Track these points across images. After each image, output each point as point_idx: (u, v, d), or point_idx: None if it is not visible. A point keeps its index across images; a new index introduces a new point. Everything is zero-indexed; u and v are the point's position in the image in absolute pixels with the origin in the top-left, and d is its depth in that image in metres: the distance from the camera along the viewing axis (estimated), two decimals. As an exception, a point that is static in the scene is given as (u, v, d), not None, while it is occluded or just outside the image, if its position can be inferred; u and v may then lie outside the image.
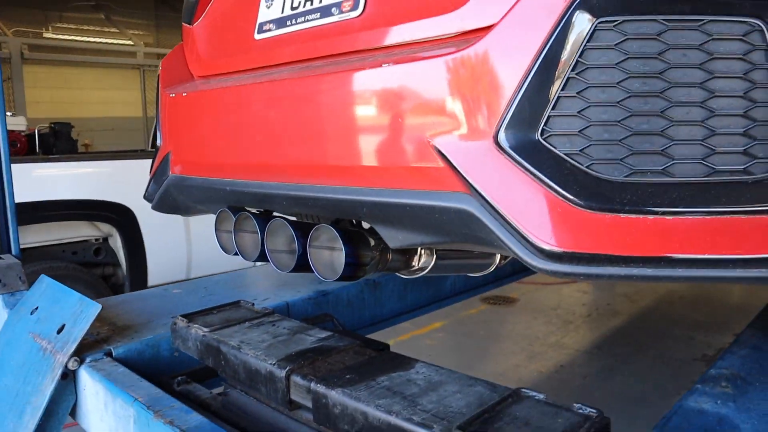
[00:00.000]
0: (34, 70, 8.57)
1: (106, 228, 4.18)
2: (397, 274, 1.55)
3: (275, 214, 1.30)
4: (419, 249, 1.35)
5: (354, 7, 1.13)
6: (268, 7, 1.34)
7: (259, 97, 1.25)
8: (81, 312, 1.75)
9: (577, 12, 0.80)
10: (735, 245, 0.75)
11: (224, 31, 1.49)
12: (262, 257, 1.26)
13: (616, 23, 0.79)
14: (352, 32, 1.12)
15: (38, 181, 3.86)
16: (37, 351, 1.78)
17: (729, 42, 0.76)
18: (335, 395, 1.22)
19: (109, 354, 1.72)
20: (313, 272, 1.17)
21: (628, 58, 0.79)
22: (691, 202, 0.76)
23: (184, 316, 1.74)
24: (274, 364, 1.39)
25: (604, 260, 0.80)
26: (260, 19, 1.36)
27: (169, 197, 1.62)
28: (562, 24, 0.80)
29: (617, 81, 0.79)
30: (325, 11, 1.20)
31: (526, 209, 0.83)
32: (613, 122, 0.80)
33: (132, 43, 8.90)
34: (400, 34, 1.03)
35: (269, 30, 1.33)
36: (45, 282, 2.09)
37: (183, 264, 4.30)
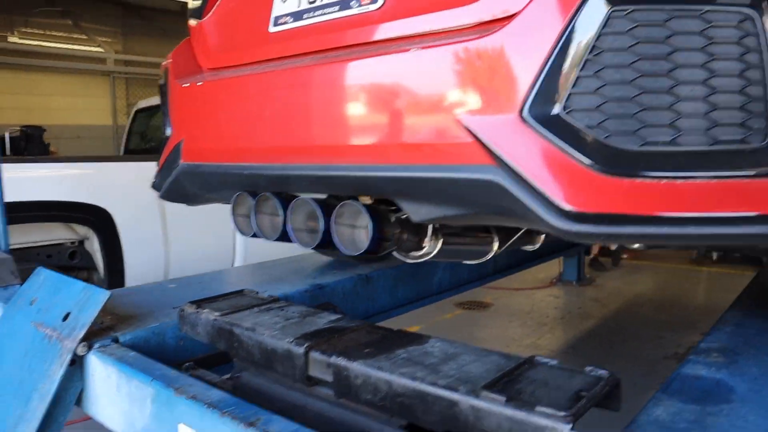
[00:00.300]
0: (-1, 75, 8.40)
1: (82, 230, 4.14)
2: (405, 257, 1.64)
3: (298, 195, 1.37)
4: (429, 231, 1.44)
5: (373, 0, 1.23)
6: (284, 1, 1.43)
7: (281, 85, 1.33)
8: (87, 299, 1.78)
9: (593, 1, 0.91)
10: (737, 204, 0.86)
11: (236, 24, 1.57)
12: (283, 237, 1.33)
13: (627, 12, 0.90)
14: (371, 23, 1.22)
15: (11, 182, 3.82)
16: (41, 339, 1.80)
17: (726, 29, 0.88)
18: (357, 367, 1.29)
19: (116, 340, 1.75)
20: (335, 248, 1.25)
21: (638, 43, 0.90)
22: (697, 168, 0.88)
23: (192, 302, 1.79)
24: (291, 342, 1.45)
25: (623, 220, 0.91)
26: (275, 12, 1.44)
27: (179, 186, 1.67)
28: (579, 12, 0.91)
29: (629, 63, 0.90)
30: (344, 4, 1.29)
31: (551, 176, 0.93)
32: (626, 99, 0.91)
33: (102, 49, 8.81)
34: (420, 24, 1.12)
35: (285, 23, 1.41)
36: (43, 274, 2.11)
37: (161, 267, 4.29)
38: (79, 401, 1.76)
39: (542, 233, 1.93)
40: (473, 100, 1.01)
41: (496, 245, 1.85)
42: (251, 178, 1.39)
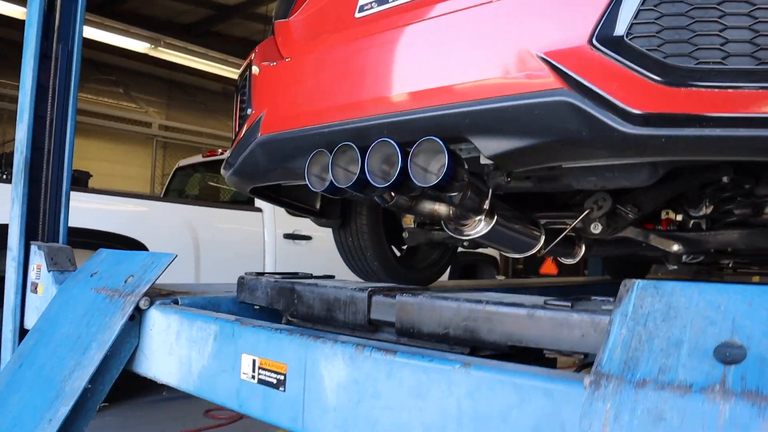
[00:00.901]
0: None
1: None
2: (457, 234, 1.75)
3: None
4: (489, 195, 1.57)
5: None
6: (369, -8, 1.67)
7: (366, 53, 1.53)
8: (152, 262, 1.90)
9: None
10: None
11: (323, 17, 1.81)
12: (357, 184, 1.46)
13: None
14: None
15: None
16: (102, 299, 1.91)
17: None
18: (422, 299, 1.38)
19: (176, 302, 1.85)
20: (408, 186, 1.38)
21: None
22: (742, 80, 1.03)
23: (251, 272, 1.91)
24: (354, 289, 1.56)
25: (680, 121, 1.05)
26: (361, 1, 1.68)
27: (253, 159, 1.84)
28: None
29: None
30: (426, -15, 1.52)
31: (620, 88, 1.09)
32: (681, 27, 1.08)
33: (148, 115, 9.42)
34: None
35: (370, 8, 1.64)
36: (104, 253, 2.24)
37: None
38: (130, 363, 1.84)
39: (587, 235, 2.05)
40: (548, 34, 1.19)
41: (543, 239, 1.97)
42: (331, 135, 1.55)
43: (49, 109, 2.54)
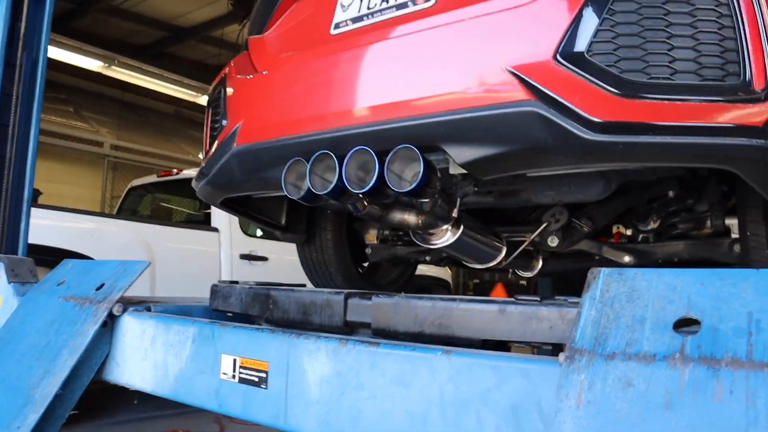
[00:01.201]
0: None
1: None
2: (423, 242, 1.84)
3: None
4: (457, 204, 1.67)
5: (427, 0, 1.56)
6: (344, 10, 1.76)
7: (342, 66, 1.62)
8: (125, 270, 1.91)
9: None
10: (720, 119, 1.15)
11: (298, 33, 1.89)
12: (334, 191, 1.53)
13: None
14: (425, 17, 1.54)
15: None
16: (72, 307, 1.90)
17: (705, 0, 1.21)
18: (398, 300, 1.46)
19: (148, 309, 1.86)
20: (384, 190, 1.46)
21: (642, 7, 1.22)
22: (688, 94, 1.17)
23: (223, 281, 1.94)
24: (330, 293, 1.61)
25: (635, 129, 1.17)
26: (336, 19, 1.77)
27: (228, 169, 1.88)
28: None
29: (636, 21, 1.22)
30: (400, 6, 1.62)
31: (582, 98, 1.20)
32: (634, 46, 1.21)
33: (98, 133, 9.25)
34: (468, 12, 1.44)
35: (345, 26, 1.73)
36: (71, 263, 2.22)
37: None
38: (100, 371, 1.83)
39: (544, 248, 2.17)
40: (516, 49, 1.31)
41: (504, 251, 2.07)
42: (309, 144, 1.62)
43: (12, 117, 2.52)
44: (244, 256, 5.02)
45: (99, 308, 1.79)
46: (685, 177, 1.95)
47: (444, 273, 7.08)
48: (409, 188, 1.42)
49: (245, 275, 4.94)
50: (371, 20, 1.69)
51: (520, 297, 1.28)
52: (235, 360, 1.44)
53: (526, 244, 2.11)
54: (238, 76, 1.94)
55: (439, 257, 2.61)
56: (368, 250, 2.81)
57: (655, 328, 0.90)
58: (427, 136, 1.44)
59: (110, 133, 9.64)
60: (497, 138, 1.35)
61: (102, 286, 1.90)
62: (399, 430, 1.12)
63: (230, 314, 1.93)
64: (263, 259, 5.15)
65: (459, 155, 1.42)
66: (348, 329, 1.57)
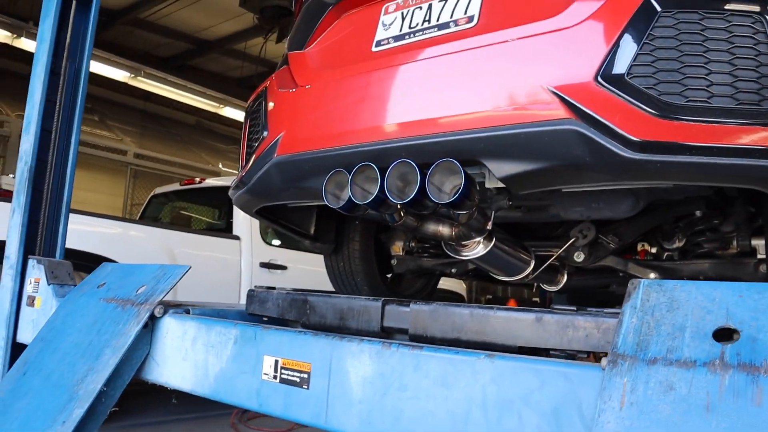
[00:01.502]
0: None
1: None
2: (455, 253, 1.89)
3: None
4: (491, 218, 1.73)
5: (469, 21, 1.63)
6: (386, 29, 1.84)
7: (386, 82, 1.70)
8: (164, 273, 1.98)
9: (647, 5, 1.31)
10: (752, 142, 1.21)
11: (339, 49, 1.97)
12: (375, 201, 1.59)
13: (672, 13, 1.29)
14: (467, 37, 1.61)
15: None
16: (113, 309, 1.97)
17: (743, 27, 1.26)
18: (437, 307, 1.52)
19: (187, 311, 1.93)
20: (425, 201, 1.52)
21: (680, 33, 1.28)
22: (724, 117, 1.23)
23: (260, 286, 2.01)
24: (368, 299, 1.68)
25: (673, 148, 1.23)
26: (378, 37, 1.85)
27: (267, 179, 1.96)
28: (639, 11, 1.31)
29: (675, 46, 1.28)
30: (442, 26, 1.70)
31: (621, 118, 1.27)
32: (673, 70, 1.27)
33: (122, 141, 9.44)
34: (511, 34, 1.51)
35: (387, 44, 1.81)
36: (109, 266, 2.30)
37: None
38: (140, 371, 1.89)
39: (570, 263, 2.22)
40: (558, 71, 1.37)
41: (533, 264, 2.13)
42: (350, 156, 1.69)
43: (54, 124, 2.62)
44: (264, 265, 5.10)
45: (141, 309, 1.86)
46: (712, 197, 1.99)
47: (458, 286, 7.11)
48: (449, 200, 1.48)
49: (264, 283, 5.02)
50: (413, 39, 1.76)
51: (556, 306, 1.34)
52: (276, 361, 1.50)
53: (554, 258, 2.16)
54: (280, 90, 2.02)
55: (465, 270, 2.67)
56: (394, 261, 2.86)
57: (695, 336, 0.95)
58: (468, 151, 1.51)
59: (133, 142, 9.83)
60: (537, 154, 1.41)
61: (142, 288, 1.97)
62: (441, 429, 1.18)
63: (265, 318, 2.00)
64: (282, 267, 5.22)
65: (499, 170, 1.48)
66: (384, 334, 1.62)
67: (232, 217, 5.13)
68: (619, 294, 3.11)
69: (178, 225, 5.81)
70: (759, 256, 2.03)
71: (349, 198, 1.66)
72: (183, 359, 1.77)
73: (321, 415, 1.39)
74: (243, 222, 5.11)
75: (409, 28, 1.79)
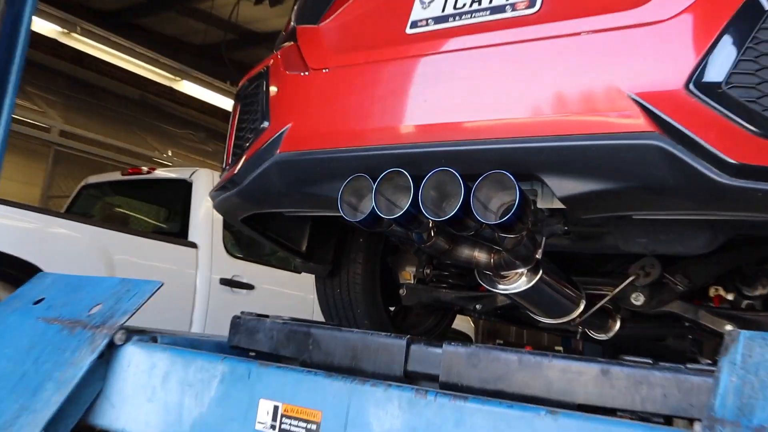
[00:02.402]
0: None
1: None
2: (493, 286, 1.96)
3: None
4: (542, 246, 1.81)
5: (530, 6, 1.72)
6: (424, 7, 1.92)
7: (425, 73, 1.77)
8: (128, 290, 2.03)
9: (753, 2, 1.40)
10: None
11: (364, 28, 2.06)
12: (404, 217, 1.65)
13: None
14: (528, 25, 1.69)
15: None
16: (57, 332, 2.01)
17: None
18: (477, 350, 1.59)
19: (154, 339, 1.98)
20: (466, 221, 1.59)
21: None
22: None
23: (248, 313, 2.07)
24: (389, 336, 1.74)
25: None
26: (414, 17, 1.93)
27: (266, 178, 2.02)
28: (742, 9, 1.40)
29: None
30: (496, 9, 1.78)
31: (717, 136, 1.35)
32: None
33: (45, 114, 9.41)
34: (582, 25, 1.60)
35: (425, 25, 1.89)
36: (49, 277, 2.35)
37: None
38: (88, 413, 1.93)
39: (626, 306, 2.30)
40: (641, 73, 1.46)
41: (583, 305, 2.20)
42: (375, 158, 1.76)
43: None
44: (225, 282, 5.07)
45: (96, 334, 1.91)
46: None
47: (466, 326, 7.18)
48: (498, 221, 1.56)
49: (224, 304, 4.93)
50: (458, 22, 1.85)
51: (627, 357, 1.42)
52: (276, 407, 1.56)
53: (608, 298, 2.24)
54: (287, 72, 2.09)
55: (494, 307, 2.73)
56: (402, 291, 2.90)
57: (809, 402, 1.03)
58: (523, 162, 1.59)
59: (60, 116, 9.82)
60: (609, 172, 1.50)
61: (97, 307, 2.02)
62: (487, 501, 1.25)
63: (252, 353, 2.05)
64: (248, 287, 5.21)
65: (560, 187, 1.57)
66: (408, 381, 1.69)
67: (188, 219, 5.11)
68: (675, 349, 3.20)
69: (118, 225, 5.80)
70: None
71: (372, 210, 1.73)
72: (148, 400, 1.82)
73: (332, 478, 1.45)
74: (202, 226, 5.09)
75: (454, 8, 1.87)
